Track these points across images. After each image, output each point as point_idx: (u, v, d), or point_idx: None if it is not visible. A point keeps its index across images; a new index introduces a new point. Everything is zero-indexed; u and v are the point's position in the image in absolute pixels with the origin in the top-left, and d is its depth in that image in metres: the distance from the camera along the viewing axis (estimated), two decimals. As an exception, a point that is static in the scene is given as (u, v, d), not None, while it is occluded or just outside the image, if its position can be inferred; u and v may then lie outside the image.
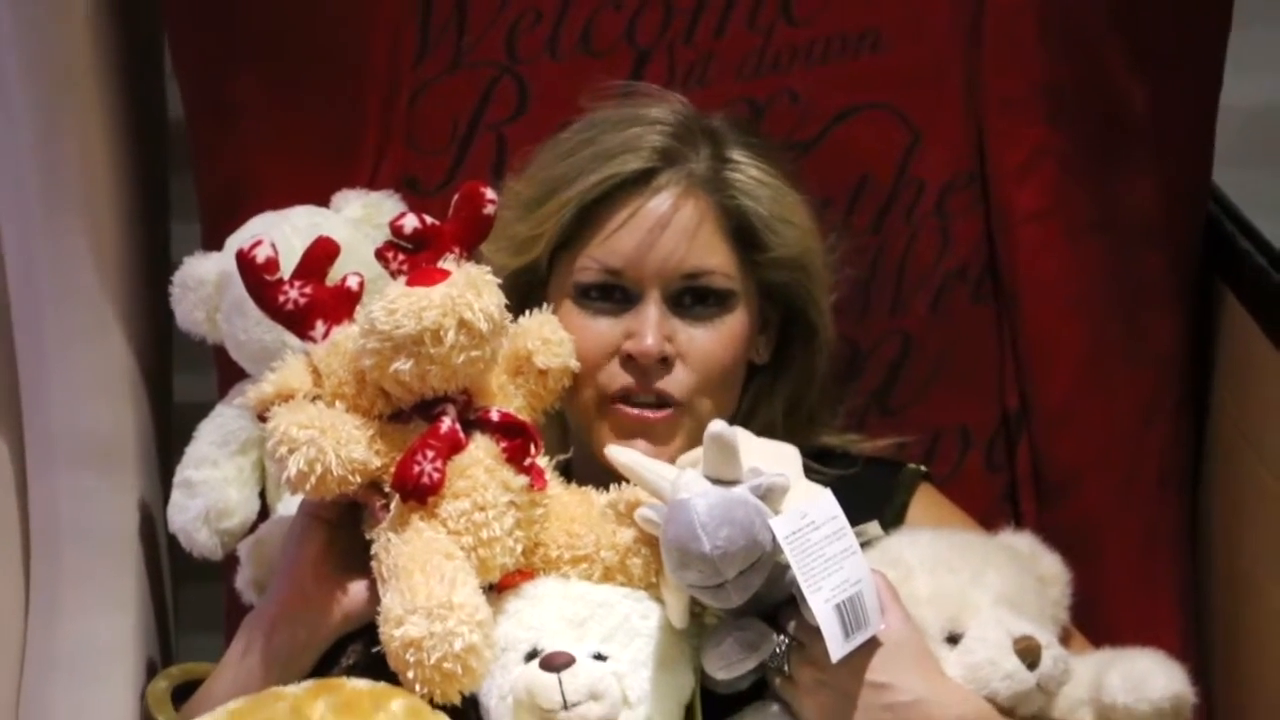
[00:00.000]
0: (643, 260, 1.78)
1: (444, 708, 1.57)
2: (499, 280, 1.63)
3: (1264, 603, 1.93)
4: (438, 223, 1.67)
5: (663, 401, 1.78)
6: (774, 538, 1.54)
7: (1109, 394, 2.03)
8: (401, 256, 1.66)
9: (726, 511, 1.53)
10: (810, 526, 1.56)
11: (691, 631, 1.64)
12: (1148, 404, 2.05)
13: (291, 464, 1.59)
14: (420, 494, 1.61)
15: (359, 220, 1.95)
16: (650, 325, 1.77)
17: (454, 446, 1.63)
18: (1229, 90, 2.04)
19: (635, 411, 1.78)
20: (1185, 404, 2.07)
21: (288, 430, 1.60)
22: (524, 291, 1.79)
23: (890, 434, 1.98)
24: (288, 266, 1.68)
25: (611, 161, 1.79)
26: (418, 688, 1.54)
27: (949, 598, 1.64)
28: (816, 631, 1.54)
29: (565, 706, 1.57)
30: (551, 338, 1.72)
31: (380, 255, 1.67)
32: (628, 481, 1.68)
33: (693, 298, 1.79)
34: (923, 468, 1.92)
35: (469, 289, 1.59)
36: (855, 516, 1.62)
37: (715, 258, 1.80)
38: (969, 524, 1.88)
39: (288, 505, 1.84)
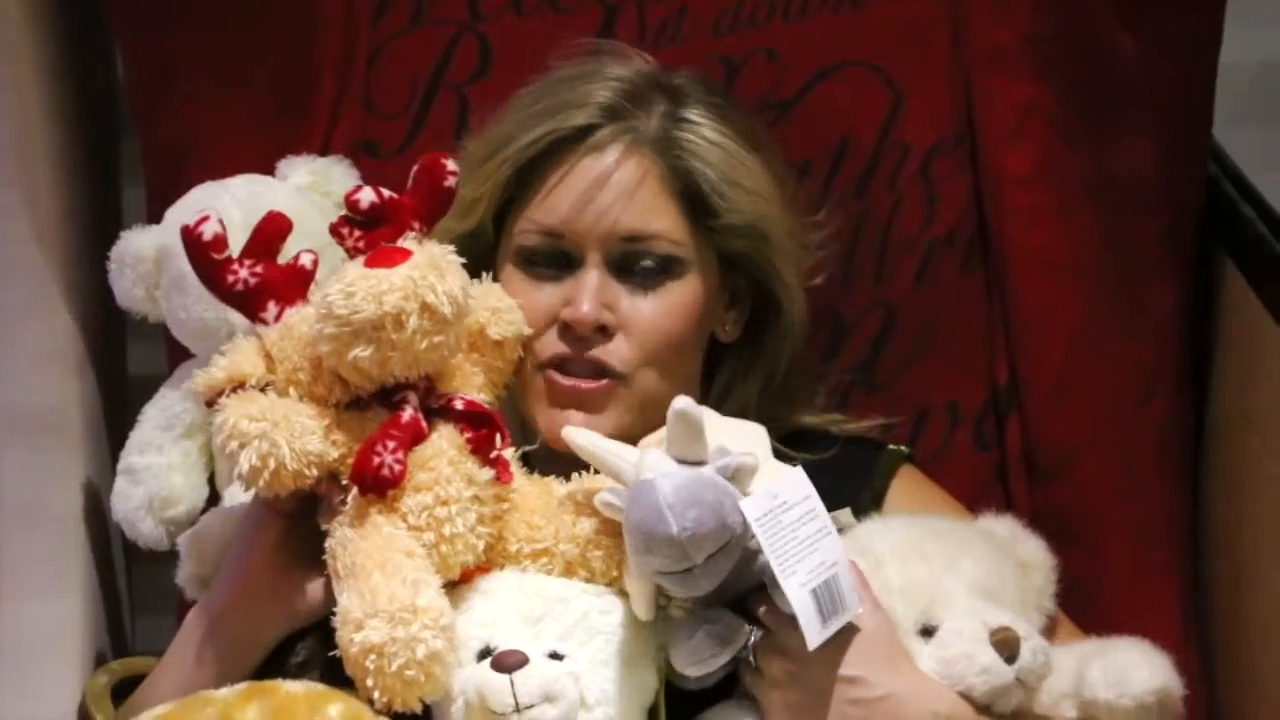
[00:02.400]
0: (580, 219, 1.73)
1: (390, 713, 1.52)
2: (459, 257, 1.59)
3: (1266, 587, 1.90)
4: (395, 196, 1.61)
5: (599, 371, 1.73)
6: (744, 520, 1.50)
7: (1104, 368, 2.00)
8: (358, 233, 1.60)
9: (694, 492, 1.48)
10: (782, 507, 1.52)
11: (656, 629, 1.60)
12: (1145, 379, 2.01)
13: (243, 459, 1.54)
14: (380, 487, 1.56)
15: (306, 188, 1.90)
16: (588, 292, 1.72)
17: (416, 437, 1.59)
18: (1230, 45, 2.00)
19: (568, 382, 1.73)
20: (1185, 380, 2.04)
21: (238, 424, 1.55)
22: (474, 259, 1.71)
23: (875, 410, 1.95)
24: (231, 241, 1.63)
25: (553, 118, 1.75)
26: (376, 695, 1.50)
27: (921, 588, 1.60)
28: (788, 620, 1.51)
29: (518, 709, 1.52)
30: (500, 305, 1.68)
31: (335, 231, 1.61)
32: (587, 469, 1.64)
33: (635, 263, 1.74)
34: (905, 449, 1.88)
35: (431, 270, 1.54)
36: (833, 500, 1.59)
37: (660, 221, 1.74)
38: (954, 507, 1.84)
39: (235, 493, 1.78)
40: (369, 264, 1.55)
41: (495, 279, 1.73)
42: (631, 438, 1.63)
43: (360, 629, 1.50)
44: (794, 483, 1.54)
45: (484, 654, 1.55)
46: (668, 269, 1.74)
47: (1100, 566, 1.96)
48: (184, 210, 1.85)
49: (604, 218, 1.72)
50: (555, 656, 1.55)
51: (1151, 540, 2.01)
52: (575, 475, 1.65)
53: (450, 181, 1.61)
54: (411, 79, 1.98)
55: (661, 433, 1.56)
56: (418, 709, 1.52)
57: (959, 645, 1.56)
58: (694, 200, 1.75)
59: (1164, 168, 1.98)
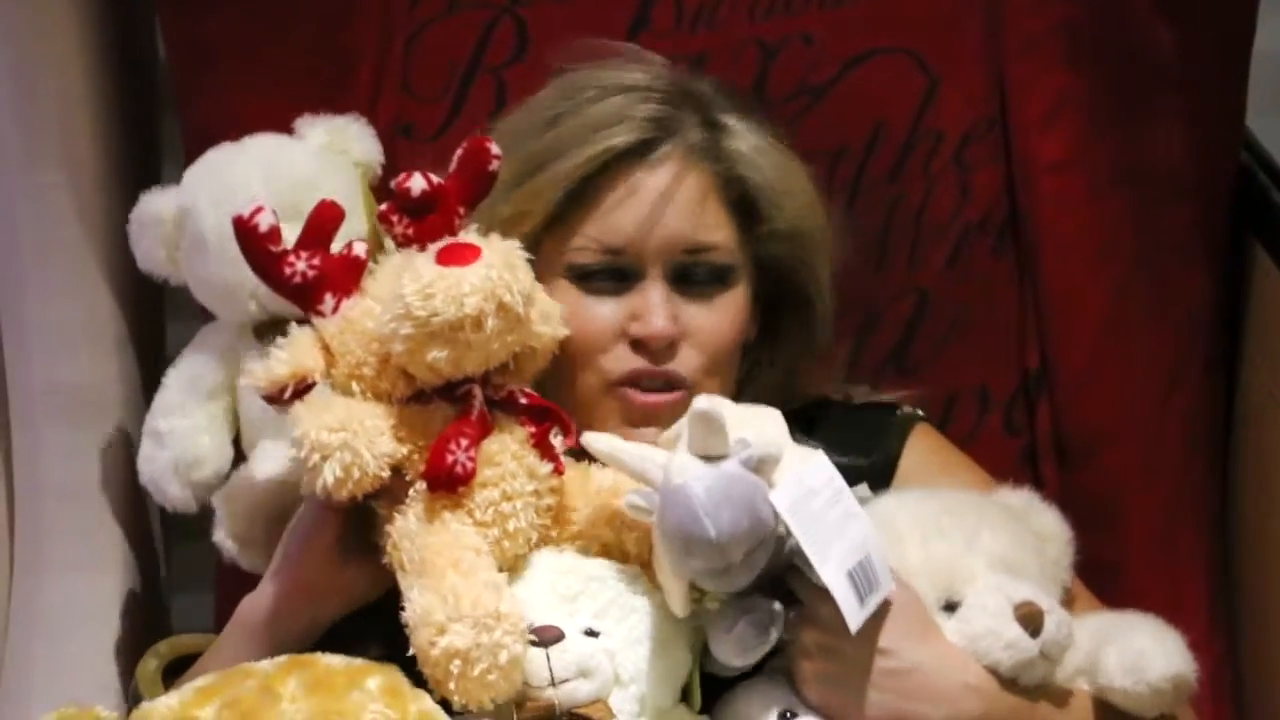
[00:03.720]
0: (646, 238, 1.70)
1: (426, 685, 1.52)
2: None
3: None
4: (442, 182, 1.59)
5: (671, 384, 1.71)
6: (774, 511, 1.49)
7: (1134, 354, 1.99)
8: (406, 220, 1.58)
9: (726, 492, 1.48)
10: (809, 494, 1.51)
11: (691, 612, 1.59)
12: (1175, 365, 2.00)
13: (327, 472, 1.52)
14: (453, 484, 1.55)
15: (324, 147, 1.88)
16: (658, 306, 1.70)
17: (484, 431, 1.58)
18: (1264, 34, 1.99)
19: (650, 399, 1.70)
20: (1214, 365, 2.03)
21: (318, 436, 1.52)
22: None
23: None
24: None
25: (604, 133, 1.71)
26: (455, 695, 1.49)
27: (942, 564, 1.59)
28: (823, 593, 1.50)
29: (553, 683, 1.52)
30: (546, 308, 1.63)
31: (384, 218, 1.59)
32: None
33: (695, 275, 1.72)
34: (919, 410, 1.87)
35: (506, 269, 1.52)
36: (847, 461, 1.62)
37: (718, 233, 1.73)
38: (970, 467, 1.84)
39: (264, 451, 1.79)
40: (442, 261, 1.52)
41: None
42: None
43: (443, 633, 1.48)
44: (818, 468, 1.54)
45: (521, 630, 1.55)
46: (723, 279, 1.73)
47: (1129, 551, 1.96)
48: (202, 171, 1.85)
49: (668, 233, 1.70)
50: (590, 634, 1.55)
51: (1180, 525, 2.01)
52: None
53: (494, 165, 1.59)
54: (449, 62, 1.97)
55: (678, 428, 1.56)
56: (489, 707, 1.50)
57: (983, 620, 1.55)
58: (745, 207, 1.74)
59: (1196, 155, 1.97)
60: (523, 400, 1.61)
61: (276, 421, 1.79)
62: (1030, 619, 1.55)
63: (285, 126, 1.91)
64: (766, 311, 1.81)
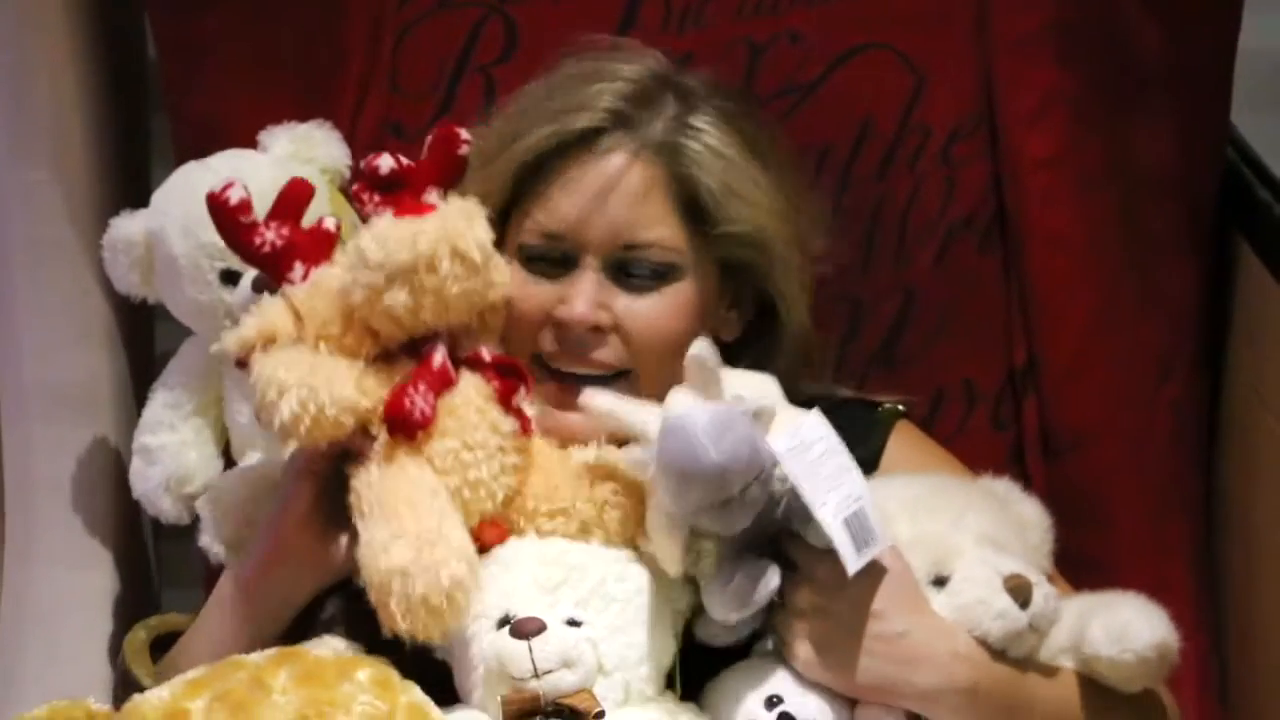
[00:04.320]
0: (584, 226, 1.72)
1: (416, 678, 1.54)
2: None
3: (1279, 566, 1.90)
4: (413, 164, 1.63)
5: (604, 374, 1.72)
6: (771, 456, 1.51)
7: (1121, 350, 1.99)
8: (378, 198, 1.62)
9: (727, 421, 1.49)
10: (805, 444, 1.53)
11: (673, 594, 1.61)
12: (1161, 361, 2.00)
13: (284, 407, 1.54)
14: (410, 428, 1.57)
15: (289, 156, 1.89)
16: (582, 292, 1.71)
17: (445, 383, 1.61)
18: (1251, 31, 1.99)
19: (560, 385, 1.71)
20: (1200, 361, 2.03)
21: (274, 373, 1.55)
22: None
23: (893, 390, 1.93)
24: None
25: (561, 119, 1.73)
26: (399, 619, 1.50)
27: (932, 541, 1.61)
28: (818, 553, 1.52)
29: (536, 675, 1.53)
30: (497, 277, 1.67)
31: (355, 196, 1.64)
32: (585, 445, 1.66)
33: (633, 268, 1.73)
34: (900, 406, 1.87)
35: (462, 219, 1.57)
36: None
37: (659, 229, 1.73)
38: (951, 462, 1.85)
39: (251, 460, 1.82)
40: (398, 215, 1.57)
41: None
42: None
43: (385, 552, 1.50)
44: (813, 422, 1.55)
45: (503, 622, 1.55)
46: (663, 275, 1.73)
47: (1114, 545, 1.97)
48: (170, 192, 1.87)
49: (604, 224, 1.71)
50: (573, 623, 1.56)
51: (1165, 519, 2.01)
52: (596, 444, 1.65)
53: (464, 150, 1.63)
54: (438, 60, 1.98)
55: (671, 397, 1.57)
56: (437, 639, 1.52)
57: (973, 591, 1.57)
58: (694, 208, 1.74)
59: (1182, 152, 1.97)
60: (486, 357, 1.63)
61: (265, 433, 1.81)
62: (1020, 590, 1.56)
63: (274, 123, 1.92)
64: (747, 316, 1.82)
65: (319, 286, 1.62)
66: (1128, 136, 1.97)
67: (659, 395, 1.60)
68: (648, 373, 1.72)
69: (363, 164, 1.63)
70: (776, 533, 1.57)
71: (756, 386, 1.64)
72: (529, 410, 1.64)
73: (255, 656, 1.55)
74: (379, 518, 1.54)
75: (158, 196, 1.87)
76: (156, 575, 2.16)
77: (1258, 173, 2.00)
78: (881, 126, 1.98)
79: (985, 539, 1.61)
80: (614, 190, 1.72)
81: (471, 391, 1.61)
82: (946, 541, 1.60)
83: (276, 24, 1.96)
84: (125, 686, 1.66)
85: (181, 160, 1.99)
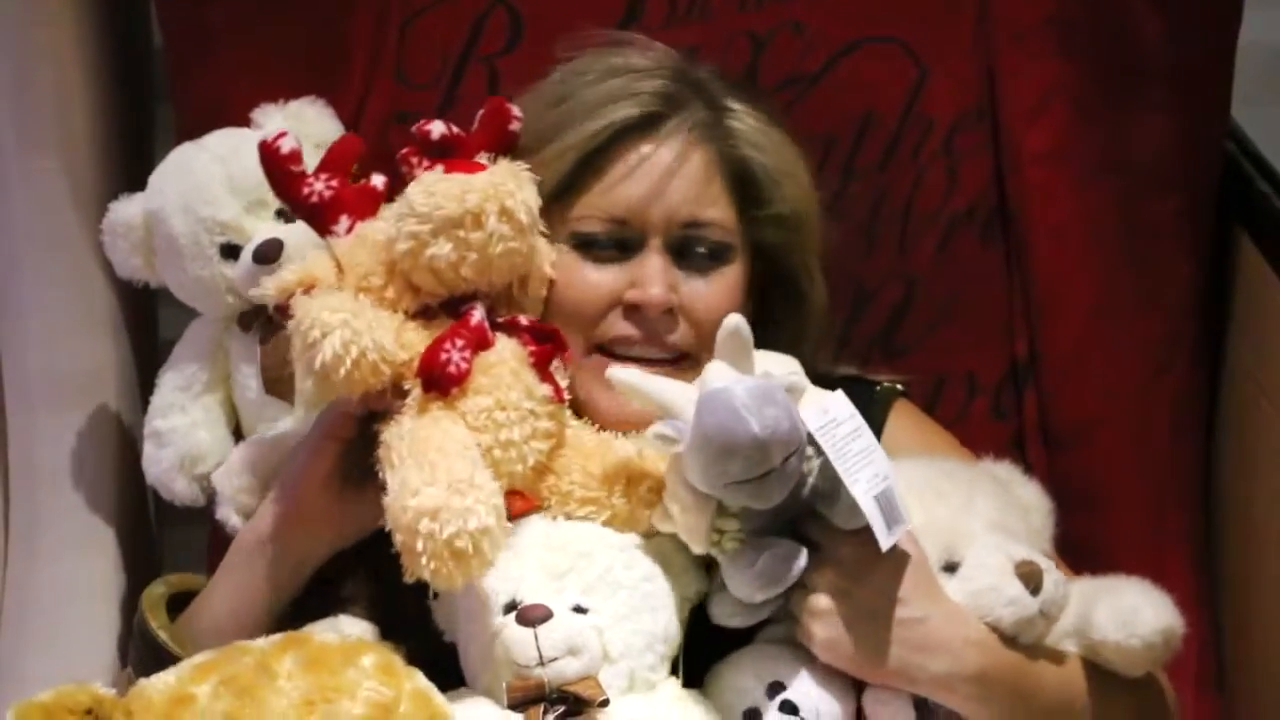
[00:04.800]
0: (648, 209, 1.72)
1: (422, 663, 1.53)
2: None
3: (1277, 559, 1.90)
4: (463, 132, 1.64)
5: (670, 353, 1.73)
6: (806, 432, 1.51)
7: (1121, 341, 2.00)
8: (426, 162, 1.63)
9: (766, 393, 1.50)
10: (834, 423, 1.54)
11: (680, 582, 1.61)
12: (1161, 352, 2.01)
13: (327, 347, 1.54)
14: (445, 383, 1.57)
15: None
16: (657, 274, 1.72)
17: (482, 341, 1.60)
18: (1251, 25, 1.99)
19: (638, 364, 1.70)
20: (1200, 353, 2.03)
21: (319, 314, 1.55)
22: None
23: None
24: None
25: (611, 107, 1.74)
26: (424, 562, 1.48)
27: (942, 526, 1.61)
28: (844, 537, 1.53)
29: (542, 662, 1.53)
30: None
31: (404, 160, 1.64)
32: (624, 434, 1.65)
33: (693, 249, 1.74)
34: (899, 385, 1.88)
35: (510, 178, 1.57)
36: None
37: (718, 209, 1.75)
38: (950, 441, 1.86)
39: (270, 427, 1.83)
40: (448, 171, 1.58)
41: None
42: None
43: (416, 495, 1.49)
44: (840, 402, 1.56)
45: (509, 608, 1.56)
46: (721, 255, 1.75)
47: (1114, 534, 1.97)
48: (166, 172, 1.87)
49: (667, 205, 1.72)
50: (579, 610, 1.56)
51: (1165, 509, 2.01)
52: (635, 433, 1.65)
53: (515, 126, 1.65)
54: (443, 51, 1.98)
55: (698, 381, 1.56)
56: (459, 586, 1.50)
57: (985, 578, 1.57)
58: (745, 188, 1.76)
59: (1182, 145, 1.97)
60: (524, 322, 1.64)
61: (273, 408, 1.81)
62: (1031, 577, 1.57)
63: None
64: (761, 300, 1.83)
65: (363, 239, 1.62)
66: (1128, 129, 1.97)
67: None
68: (701, 362, 1.69)
69: (414, 128, 1.64)
70: (795, 516, 1.56)
71: (783, 365, 1.64)
72: (562, 380, 1.63)
73: (261, 642, 1.55)
74: (411, 466, 1.52)
75: (154, 178, 1.87)
76: (161, 562, 2.16)
77: (1258, 166, 2.00)
78: (884, 118, 1.98)
79: (995, 524, 1.61)
80: (677, 172, 1.73)
81: (508, 353, 1.60)
82: (957, 527, 1.61)
83: (282, 13, 1.96)
84: (142, 637, 1.68)
85: (186, 147, 2.00)
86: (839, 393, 1.57)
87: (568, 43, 1.81)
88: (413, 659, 1.55)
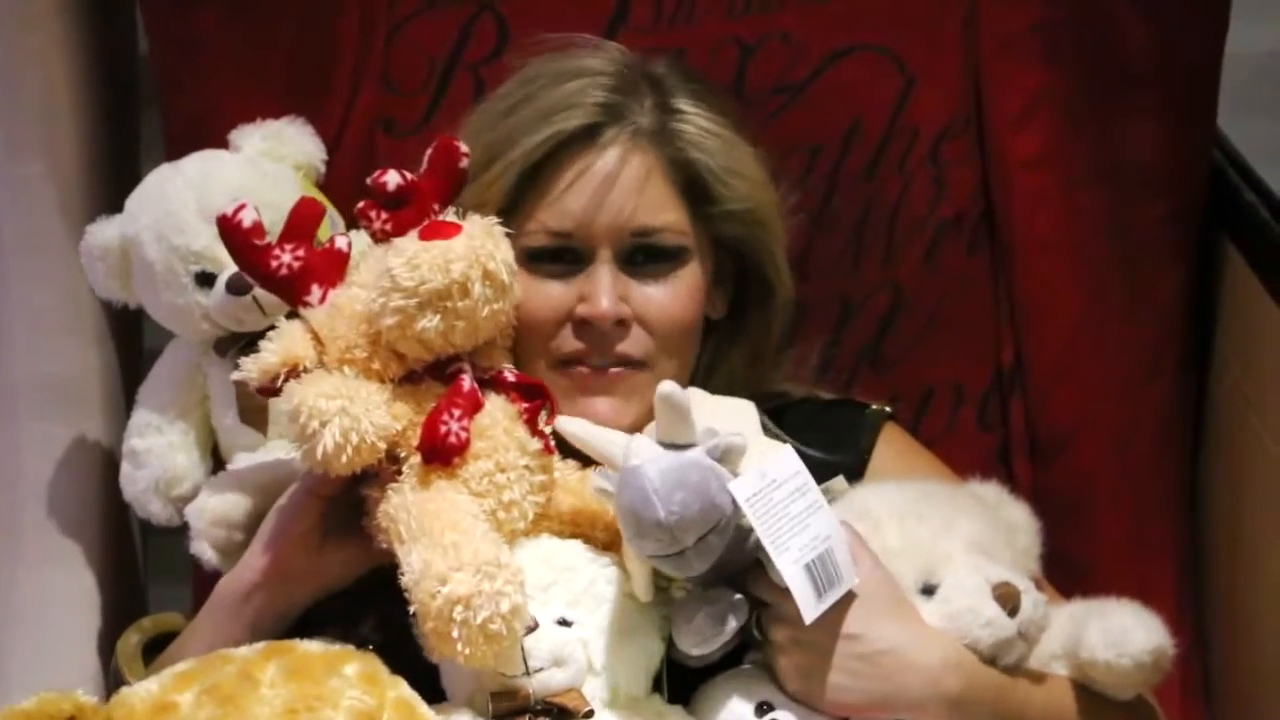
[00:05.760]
0: (592, 220, 1.72)
1: (404, 672, 1.54)
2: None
3: (1264, 570, 1.89)
4: (417, 179, 1.62)
5: (622, 363, 1.73)
6: (733, 501, 1.50)
7: (1108, 351, 2.00)
8: (384, 215, 1.61)
9: (680, 476, 1.48)
10: (772, 485, 1.52)
11: (659, 599, 1.61)
12: (1148, 362, 2.01)
13: (326, 437, 1.53)
14: (448, 454, 1.57)
15: (261, 154, 1.89)
16: (604, 287, 1.71)
17: (476, 406, 1.60)
18: (1236, 36, 1.99)
19: (589, 371, 1.72)
20: (1186, 363, 2.03)
21: (315, 403, 1.54)
22: None
23: (881, 389, 1.95)
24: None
25: (553, 119, 1.73)
26: (460, 647, 1.48)
27: (921, 548, 1.61)
28: (787, 592, 1.51)
29: (528, 672, 1.53)
30: None
31: (362, 215, 1.62)
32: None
33: (644, 256, 1.73)
34: (887, 408, 1.87)
35: (488, 239, 1.57)
36: (819, 458, 1.64)
37: (665, 214, 1.74)
38: (938, 466, 1.85)
39: (241, 459, 1.83)
40: (424, 237, 1.56)
41: None
42: None
43: (445, 581, 1.48)
44: (783, 461, 1.54)
45: (494, 620, 1.55)
46: (675, 258, 1.74)
47: (1099, 545, 1.97)
48: (142, 198, 1.86)
49: (614, 215, 1.72)
50: (563, 623, 1.56)
51: (1150, 520, 2.01)
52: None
53: (464, 163, 1.62)
54: (429, 57, 1.97)
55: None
56: (491, 665, 1.50)
57: (962, 600, 1.57)
58: (694, 189, 1.75)
59: (1169, 154, 1.97)
60: (511, 378, 1.63)
61: (250, 431, 1.80)
62: (1008, 598, 1.56)
63: (267, 119, 1.91)
64: (736, 295, 1.83)
65: (339, 309, 1.61)
66: (1115, 137, 1.97)
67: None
68: (663, 363, 1.73)
69: (369, 181, 1.61)
70: (745, 567, 1.55)
71: (733, 416, 1.63)
72: (547, 429, 1.63)
73: (244, 650, 1.55)
74: (428, 545, 1.52)
75: (130, 202, 1.87)
76: (144, 571, 2.15)
77: (1244, 175, 2.00)
78: (871, 126, 1.98)
79: (974, 546, 1.60)
80: (618, 181, 1.72)
81: (499, 413, 1.60)
82: (935, 549, 1.60)
83: (269, 19, 1.95)
84: (118, 688, 1.64)
85: (173, 155, 1.98)
86: (786, 448, 1.56)
87: (529, 46, 1.81)
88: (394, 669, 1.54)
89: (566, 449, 1.65)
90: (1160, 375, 2.01)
